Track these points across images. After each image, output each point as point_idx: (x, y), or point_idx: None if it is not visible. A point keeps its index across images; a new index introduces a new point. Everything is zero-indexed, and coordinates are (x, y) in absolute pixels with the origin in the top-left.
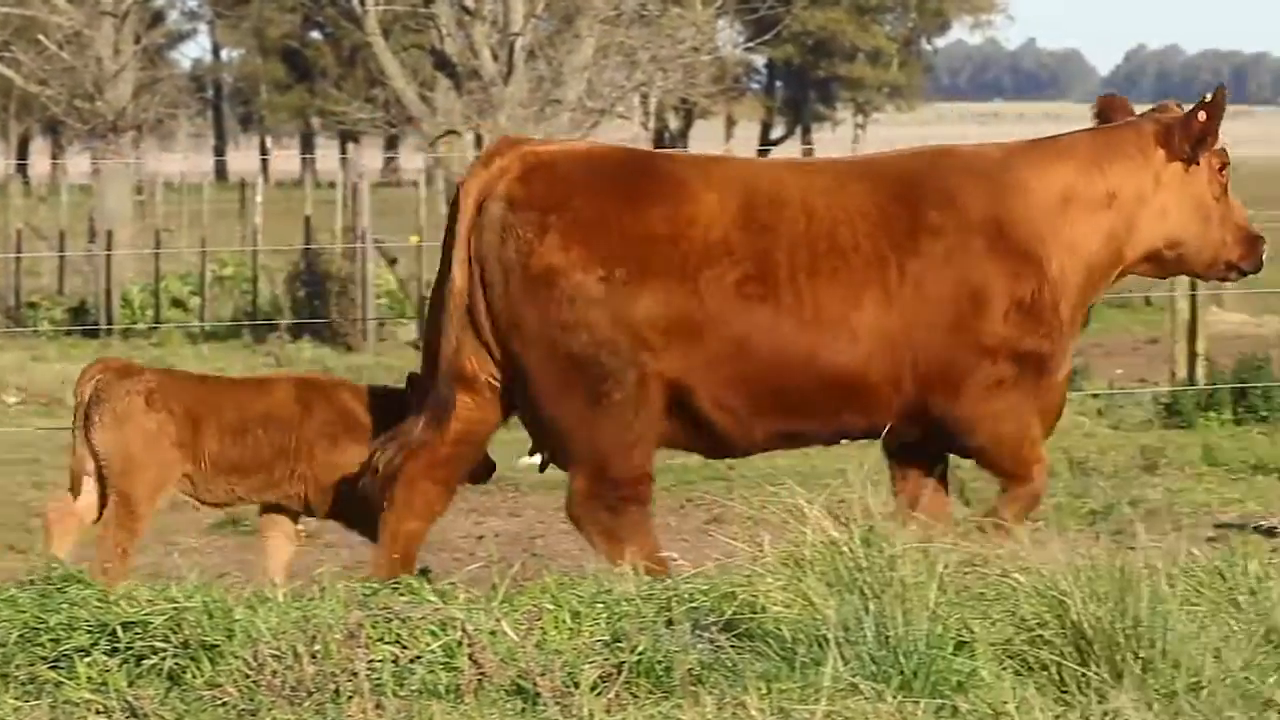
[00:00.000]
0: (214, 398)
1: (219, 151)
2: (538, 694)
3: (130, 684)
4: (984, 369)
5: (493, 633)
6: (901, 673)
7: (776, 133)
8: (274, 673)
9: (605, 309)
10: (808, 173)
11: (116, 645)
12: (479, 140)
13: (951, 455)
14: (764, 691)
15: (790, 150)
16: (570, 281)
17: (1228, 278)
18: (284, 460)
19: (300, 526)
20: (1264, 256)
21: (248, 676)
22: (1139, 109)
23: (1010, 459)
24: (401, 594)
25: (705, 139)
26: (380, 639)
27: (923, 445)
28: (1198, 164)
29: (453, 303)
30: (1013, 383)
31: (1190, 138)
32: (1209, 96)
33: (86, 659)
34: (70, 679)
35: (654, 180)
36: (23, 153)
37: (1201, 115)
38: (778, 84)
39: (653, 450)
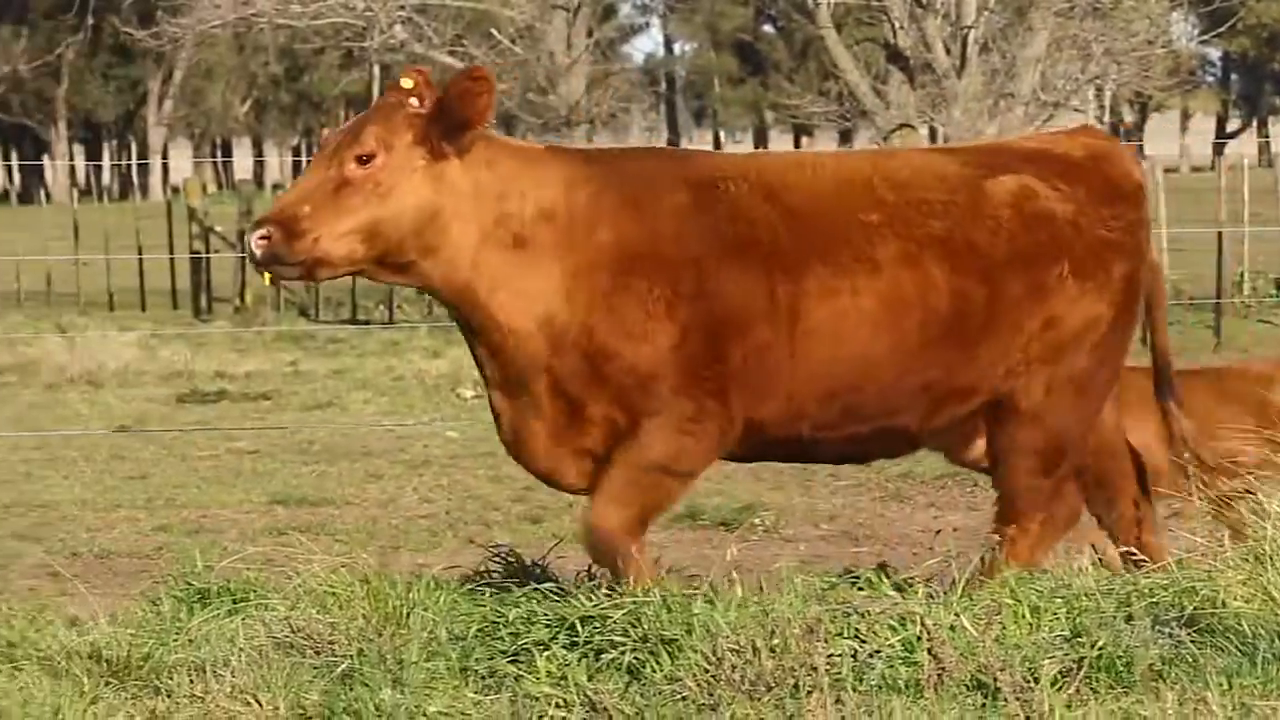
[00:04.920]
0: None
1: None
2: (998, 689)
3: (590, 678)
4: None
5: (952, 628)
6: None
7: (1232, 125)
8: (733, 667)
9: None
10: None
11: (575, 639)
12: (933, 134)
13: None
14: (1225, 687)
15: (1248, 145)
16: None
17: None
18: None
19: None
20: None
21: (707, 671)
22: None
23: None
24: (860, 589)
25: (1160, 133)
26: (839, 634)
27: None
28: None
29: None
30: None
31: None
32: None
33: (546, 653)
34: (530, 673)
35: None
36: None
37: None
38: (1233, 77)
39: None
